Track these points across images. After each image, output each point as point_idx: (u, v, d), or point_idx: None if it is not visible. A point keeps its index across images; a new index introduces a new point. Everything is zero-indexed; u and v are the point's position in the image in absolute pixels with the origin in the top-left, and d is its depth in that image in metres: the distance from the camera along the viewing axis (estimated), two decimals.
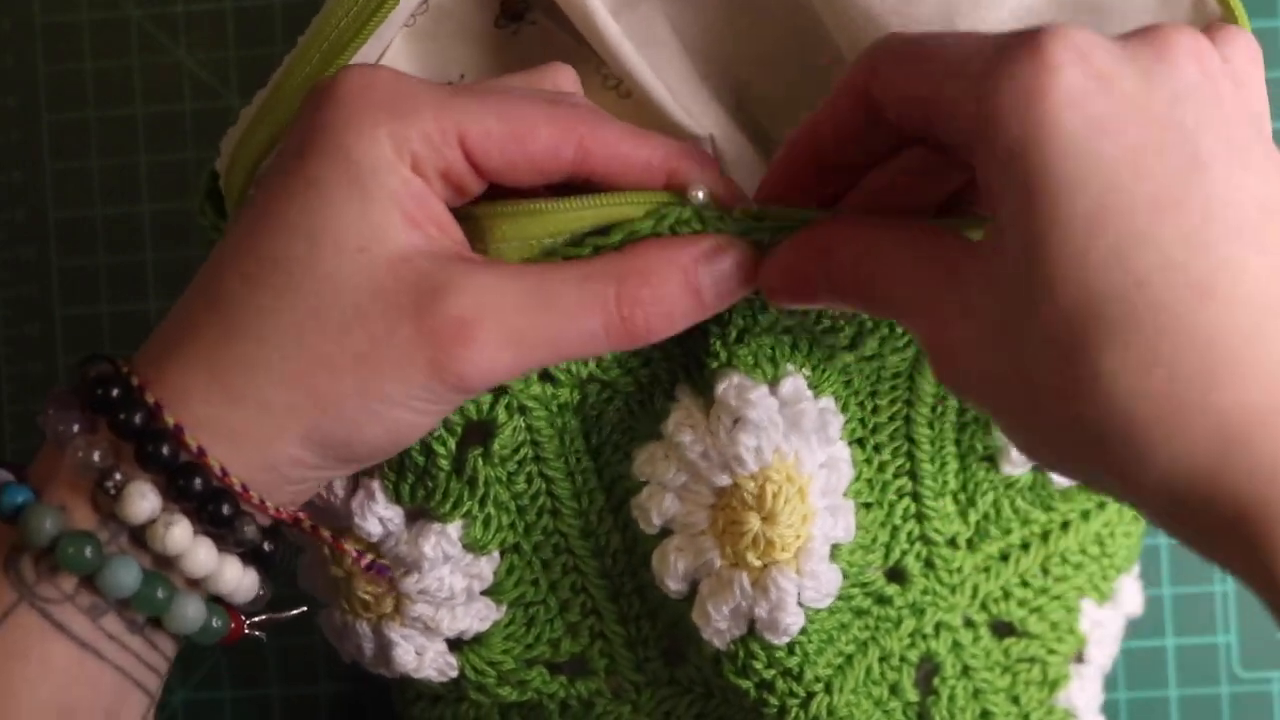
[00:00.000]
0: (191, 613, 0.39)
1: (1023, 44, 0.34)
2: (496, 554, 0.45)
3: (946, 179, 0.41)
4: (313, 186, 0.38)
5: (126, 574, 0.38)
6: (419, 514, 0.44)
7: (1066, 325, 0.33)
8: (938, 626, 0.47)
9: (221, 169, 0.44)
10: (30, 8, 0.59)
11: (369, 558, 0.43)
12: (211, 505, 0.38)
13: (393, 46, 0.46)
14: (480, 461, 0.43)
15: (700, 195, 0.40)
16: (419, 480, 0.43)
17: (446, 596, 0.45)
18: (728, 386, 0.42)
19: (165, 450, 0.38)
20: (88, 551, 0.37)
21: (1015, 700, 0.49)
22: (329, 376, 0.37)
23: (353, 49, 0.43)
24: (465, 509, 0.44)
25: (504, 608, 0.46)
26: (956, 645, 0.47)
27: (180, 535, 0.38)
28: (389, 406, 0.38)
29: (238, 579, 0.40)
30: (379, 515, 0.44)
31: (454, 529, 0.44)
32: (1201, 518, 0.33)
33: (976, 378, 0.36)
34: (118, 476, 0.38)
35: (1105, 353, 0.32)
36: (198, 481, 0.38)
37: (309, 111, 0.38)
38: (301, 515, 0.41)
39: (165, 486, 0.38)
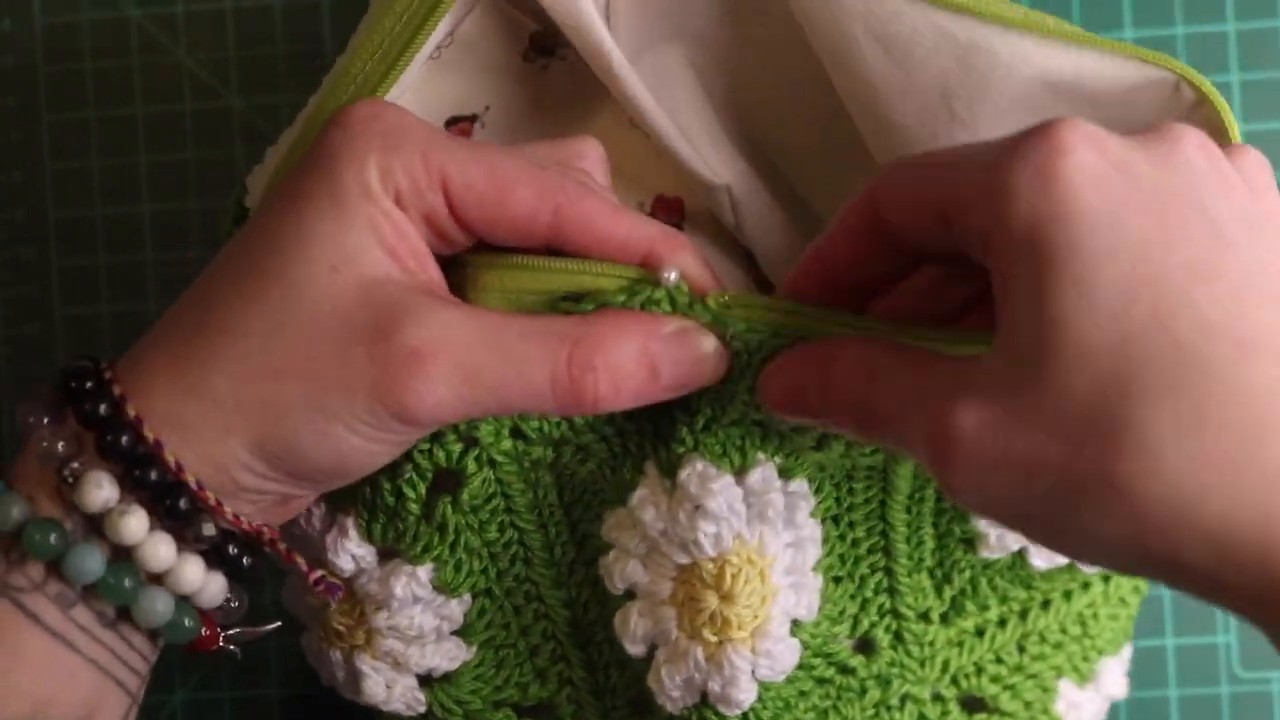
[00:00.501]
0: (160, 606, 0.40)
1: (1033, 131, 0.34)
2: (468, 596, 0.45)
3: (955, 300, 0.41)
4: (299, 201, 0.39)
5: (90, 559, 0.38)
6: (390, 554, 0.44)
7: (1103, 393, 0.33)
8: (904, 699, 0.47)
9: (252, 204, 0.45)
10: (30, 8, 0.59)
11: (319, 573, 0.43)
12: (168, 499, 0.39)
13: (416, 78, 0.46)
14: (449, 509, 0.43)
15: (672, 278, 0.40)
16: (389, 522, 0.43)
17: (416, 635, 0.45)
18: (690, 473, 0.41)
19: (124, 440, 0.38)
20: (52, 538, 0.38)
21: None
22: (278, 383, 0.38)
23: (384, 89, 0.43)
24: (435, 553, 0.44)
25: (474, 649, 0.46)
26: (922, 719, 0.47)
27: (136, 525, 0.39)
28: (332, 423, 0.38)
29: (200, 579, 0.40)
30: (351, 552, 0.44)
31: (424, 571, 0.44)
32: (1245, 573, 0.33)
33: (995, 485, 0.34)
34: (75, 465, 0.39)
35: (1150, 413, 0.32)
36: (153, 473, 0.39)
37: (319, 134, 0.40)
38: (265, 528, 0.41)
39: (123, 477, 0.39)
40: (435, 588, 0.44)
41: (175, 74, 0.58)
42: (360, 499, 0.43)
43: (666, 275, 0.40)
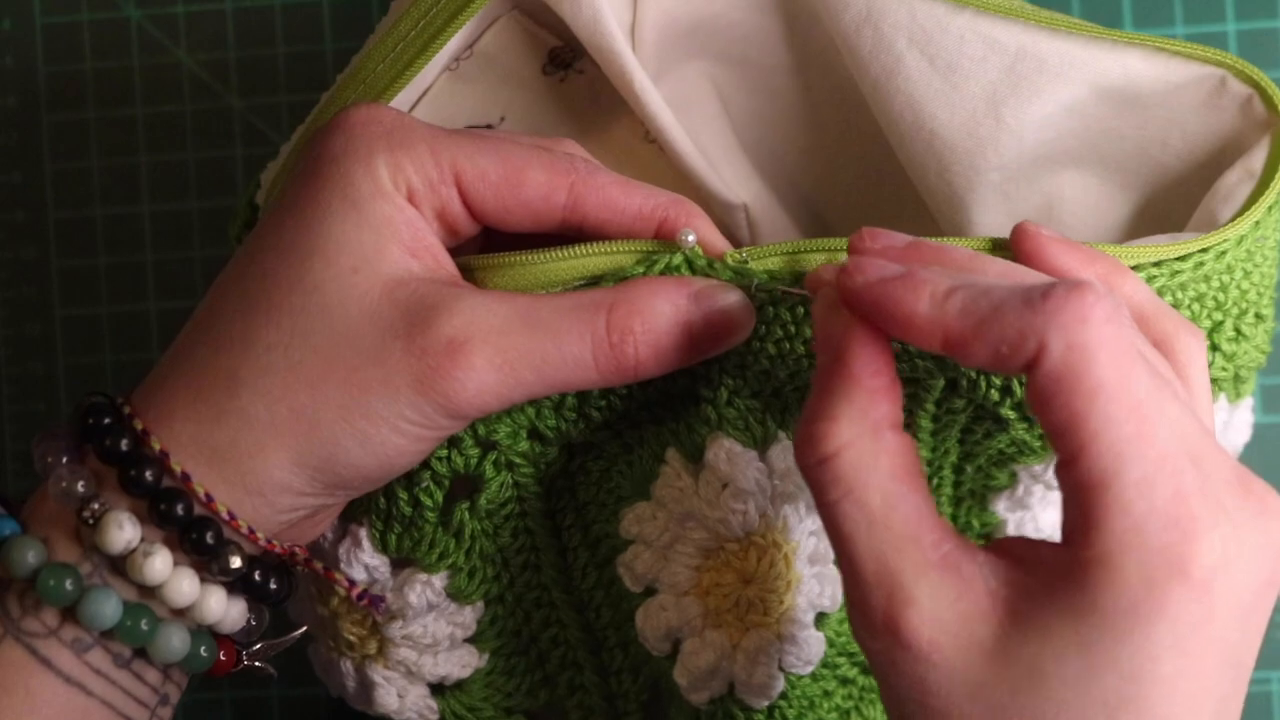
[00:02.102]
0: (176, 643, 0.39)
1: (1064, 308, 0.33)
2: (480, 604, 0.45)
3: None
4: (309, 207, 0.38)
5: (106, 605, 0.38)
6: (405, 563, 0.44)
7: None
8: None
9: (262, 200, 0.45)
10: (30, 8, 0.59)
11: (360, 588, 0.43)
12: (194, 533, 0.38)
13: (434, 89, 0.46)
14: (467, 515, 0.43)
15: (690, 240, 0.40)
16: (405, 531, 0.43)
17: (430, 643, 0.45)
18: (718, 451, 0.41)
19: (148, 475, 0.38)
20: (67, 583, 0.37)
21: None
22: (313, 391, 0.37)
23: (391, 93, 0.43)
24: (451, 560, 0.44)
25: (486, 656, 0.46)
26: None
27: (160, 565, 0.38)
28: (375, 425, 0.38)
29: (222, 609, 0.39)
30: (365, 562, 0.44)
31: (439, 579, 0.44)
32: None
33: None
34: (96, 506, 0.38)
35: None
36: (180, 507, 0.38)
37: (317, 140, 0.39)
38: (297, 548, 0.41)
39: (147, 513, 0.38)
40: (449, 595, 0.44)
41: (175, 74, 0.58)
42: (374, 509, 0.43)
43: (684, 239, 0.40)
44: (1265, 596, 0.34)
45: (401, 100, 0.45)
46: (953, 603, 0.34)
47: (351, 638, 0.45)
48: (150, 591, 0.39)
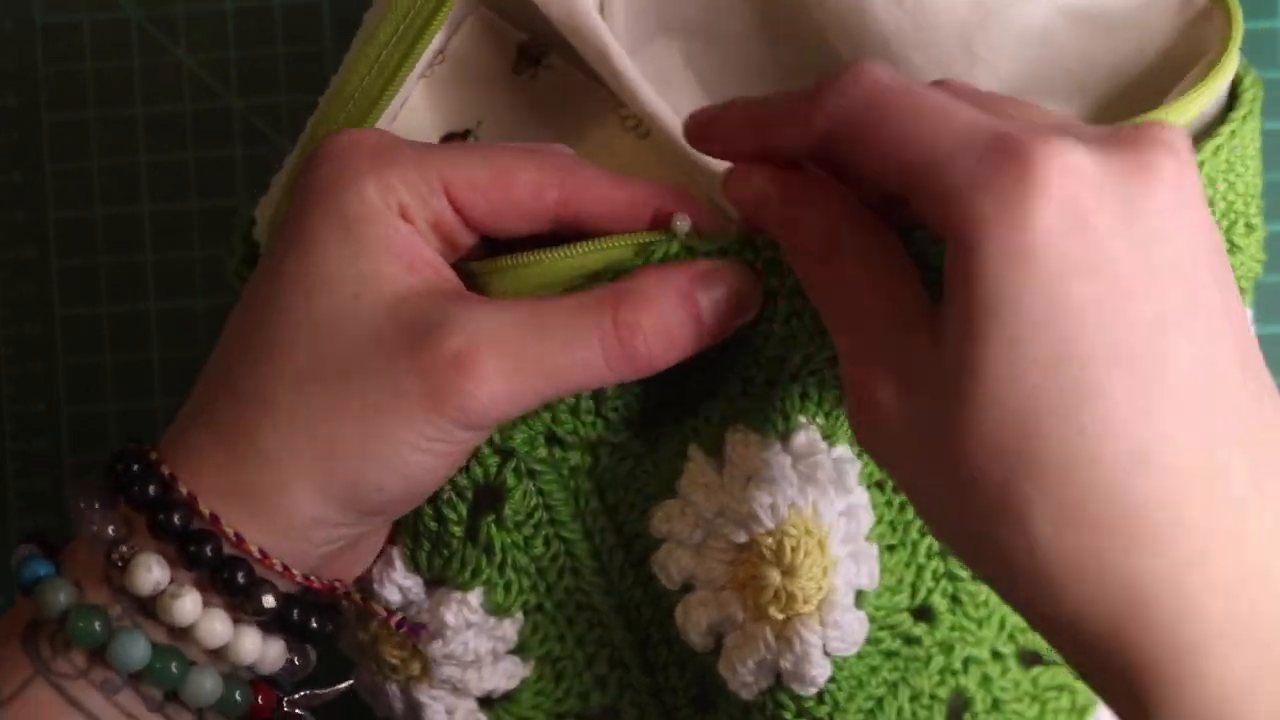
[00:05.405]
0: (208, 685, 0.39)
1: (1009, 161, 0.33)
2: (520, 615, 0.45)
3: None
4: (306, 239, 0.38)
5: (135, 647, 0.38)
6: (438, 582, 0.44)
7: (1004, 458, 0.33)
8: (966, 661, 0.46)
9: (261, 236, 0.45)
10: (30, 8, 0.59)
11: (399, 616, 0.43)
12: (225, 573, 0.38)
13: (412, 97, 0.46)
14: (494, 527, 0.43)
15: (685, 225, 0.40)
16: (435, 549, 0.43)
17: (473, 659, 0.45)
18: (736, 444, 0.41)
19: (176, 519, 0.38)
20: (96, 625, 0.38)
21: None
22: (329, 423, 0.38)
23: (380, 107, 0.43)
24: (484, 576, 0.44)
25: (531, 664, 0.46)
26: (986, 679, 0.47)
27: (189, 606, 0.38)
28: (394, 447, 0.38)
29: (257, 649, 0.40)
30: (398, 583, 0.44)
31: (474, 596, 0.44)
32: (1096, 662, 0.33)
33: (901, 452, 0.35)
34: (125, 549, 0.38)
35: (1038, 495, 0.33)
36: (208, 549, 0.38)
37: (306, 172, 0.39)
38: (338, 583, 0.41)
39: (177, 556, 0.38)
40: (487, 611, 0.44)
41: (175, 74, 0.58)
42: (404, 528, 0.43)
43: (678, 224, 0.40)
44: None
45: (391, 108, 0.45)
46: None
47: (394, 660, 0.45)
48: (182, 633, 0.39)
